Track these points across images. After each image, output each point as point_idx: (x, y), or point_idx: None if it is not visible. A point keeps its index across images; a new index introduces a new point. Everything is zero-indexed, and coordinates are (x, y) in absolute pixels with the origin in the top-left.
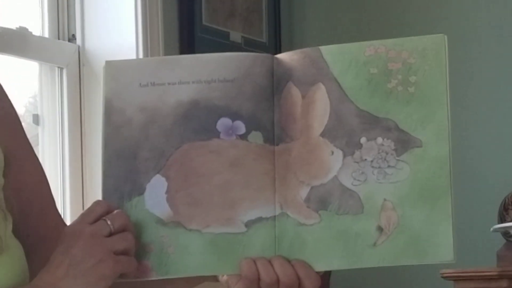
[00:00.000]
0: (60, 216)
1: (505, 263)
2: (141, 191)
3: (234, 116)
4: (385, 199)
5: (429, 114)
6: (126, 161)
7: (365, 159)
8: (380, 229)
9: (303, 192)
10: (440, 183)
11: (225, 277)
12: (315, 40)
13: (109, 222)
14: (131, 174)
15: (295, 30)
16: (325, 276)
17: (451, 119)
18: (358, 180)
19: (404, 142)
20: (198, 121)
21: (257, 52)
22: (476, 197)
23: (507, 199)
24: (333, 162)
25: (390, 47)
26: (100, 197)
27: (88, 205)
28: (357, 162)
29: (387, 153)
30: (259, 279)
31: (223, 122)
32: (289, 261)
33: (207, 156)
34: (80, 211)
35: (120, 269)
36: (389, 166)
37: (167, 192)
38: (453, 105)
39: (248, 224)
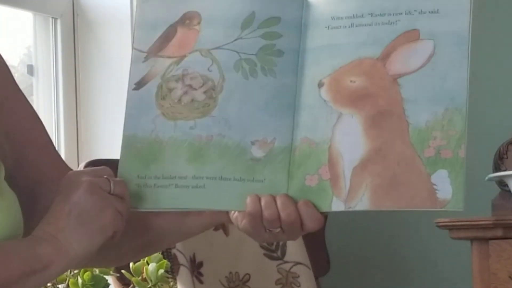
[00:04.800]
0: (59, 156)
1: (500, 212)
2: None
3: None
4: None
5: None
6: None
7: None
8: None
9: None
10: None
11: (235, 214)
12: None
13: (111, 182)
14: None
15: None
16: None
17: None
18: None
19: None
20: None
21: None
22: (470, 146)
23: (502, 148)
24: None
25: None
26: (94, 147)
27: (83, 156)
28: None
29: None
30: (262, 215)
31: None
32: (295, 201)
33: None
34: (75, 162)
35: (119, 224)
36: None
37: None
38: None
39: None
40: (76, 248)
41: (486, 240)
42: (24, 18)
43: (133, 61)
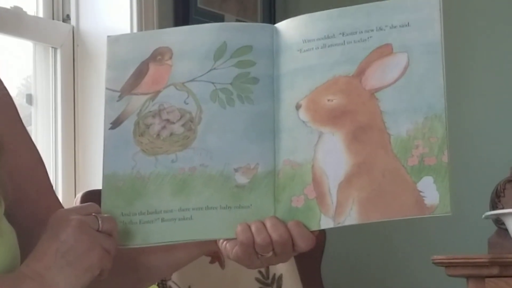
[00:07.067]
0: (58, 200)
1: (497, 250)
2: None
3: None
4: None
5: None
6: None
7: None
8: None
9: None
10: None
11: (224, 244)
12: None
13: (99, 220)
14: None
15: (290, 14)
16: (320, 237)
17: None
18: None
19: None
20: None
21: None
22: (468, 184)
23: (499, 186)
24: None
25: None
26: (91, 177)
27: (80, 186)
28: None
29: None
30: (254, 242)
31: None
32: (285, 222)
33: None
34: (72, 192)
35: (106, 262)
36: None
37: None
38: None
39: None
40: (61, 287)
41: (483, 278)
42: (24, 47)
43: (107, 101)
